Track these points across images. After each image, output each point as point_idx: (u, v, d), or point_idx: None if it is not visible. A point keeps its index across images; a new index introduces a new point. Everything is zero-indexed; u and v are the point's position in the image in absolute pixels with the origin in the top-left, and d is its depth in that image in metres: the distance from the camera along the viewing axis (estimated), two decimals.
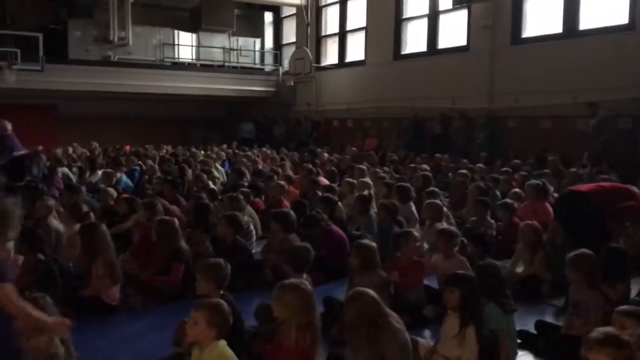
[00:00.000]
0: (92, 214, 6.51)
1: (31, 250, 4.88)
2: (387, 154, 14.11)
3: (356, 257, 4.57)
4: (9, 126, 9.76)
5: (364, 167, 10.54)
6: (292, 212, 6.19)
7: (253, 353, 3.83)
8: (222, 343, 3.15)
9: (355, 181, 9.00)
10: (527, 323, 4.61)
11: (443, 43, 15.36)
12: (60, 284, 4.84)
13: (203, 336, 3.13)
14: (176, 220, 5.61)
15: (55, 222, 6.29)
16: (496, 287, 4.01)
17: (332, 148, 16.42)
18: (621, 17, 11.54)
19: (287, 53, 20.63)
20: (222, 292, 3.88)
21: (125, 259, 5.78)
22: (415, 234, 5.28)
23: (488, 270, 4.09)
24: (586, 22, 12.25)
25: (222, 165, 12.78)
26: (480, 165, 11.13)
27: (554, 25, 12.72)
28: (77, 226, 5.99)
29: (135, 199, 7.15)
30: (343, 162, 12.40)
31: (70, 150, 14.79)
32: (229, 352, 3.16)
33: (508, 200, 7.40)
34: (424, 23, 15.85)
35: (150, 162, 11.97)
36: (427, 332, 4.59)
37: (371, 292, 3.47)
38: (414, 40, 16.33)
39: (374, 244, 4.67)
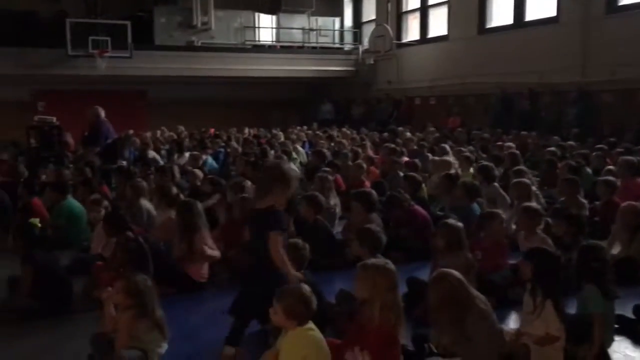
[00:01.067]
0: (180, 195, 6.72)
1: (120, 231, 5.09)
2: (473, 132, 13.68)
3: (442, 237, 4.45)
4: (102, 112, 10.26)
5: (447, 145, 10.27)
6: (373, 192, 6.13)
7: (336, 330, 3.83)
8: (307, 327, 3.15)
9: (438, 159, 8.79)
10: (624, 308, 4.34)
11: (531, 15, 14.65)
12: (150, 261, 5.04)
13: (284, 325, 3.16)
14: None
15: (146, 203, 6.55)
16: (599, 270, 3.83)
17: (413, 127, 16.13)
18: None
19: (367, 31, 20.40)
20: (302, 271, 3.89)
21: (214, 238, 5.93)
22: (502, 215, 5.07)
23: (592, 252, 3.92)
24: None
25: (302, 147, 12.86)
26: (571, 142, 10.56)
27: None
28: (170, 211, 6.24)
29: (219, 179, 7.33)
30: (427, 141, 12.13)
31: (159, 133, 15.37)
32: (311, 337, 3.14)
33: (610, 177, 6.99)
34: None
35: (233, 144, 12.24)
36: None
37: (456, 273, 3.38)
38: (500, 13, 15.65)
39: (460, 224, 4.53)
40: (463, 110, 16.26)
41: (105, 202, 6.50)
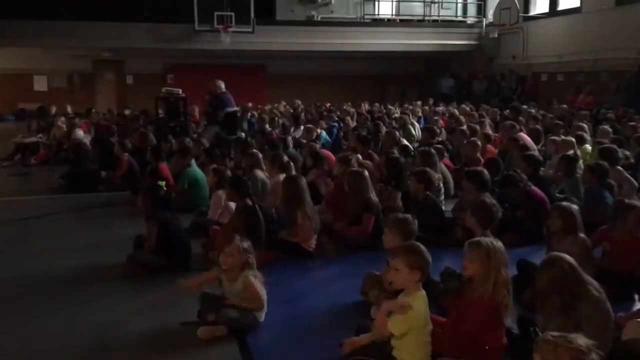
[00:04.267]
0: (292, 164, 6.90)
1: (240, 197, 5.35)
2: (602, 111, 12.71)
3: (557, 219, 4.23)
4: (223, 85, 10.70)
5: (584, 124, 9.61)
6: (485, 171, 5.91)
7: (441, 306, 3.78)
8: (422, 295, 3.12)
9: (559, 139, 8.29)
10: None
11: None
12: (263, 228, 5.26)
13: (408, 281, 3.08)
14: (366, 172, 5.71)
15: (260, 173, 6.80)
16: None
17: (539, 104, 15.26)
18: None
19: (492, 3, 19.44)
20: None
21: (320, 210, 6.06)
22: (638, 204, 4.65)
23: None
24: None
25: (418, 122, 12.65)
26: None
27: None
28: (281, 176, 6.45)
29: (319, 152, 7.43)
30: (546, 120, 11.45)
31: (281, 107, 15.82)
32: (421, 308, 3.09)
33: None
34: None
35: (348, 118, 12.31)
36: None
37: (568, 257, 3.21)
38: None
39: (575, 207, 4.28)
40: (595, 88, 15.11)
41: (227, 171, 6.82)
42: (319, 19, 19.05)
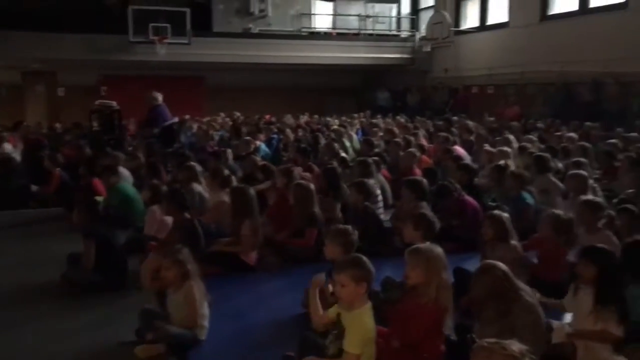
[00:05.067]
0: (232, 177, 6.85)
1: (178, 211, 5.27)
2: (530, 121, 13.31)
3: (490, 227, 4.40)
4: (160, 97, 10.53)
5: (511, 136, 10.03)
6: (424, 180, 6.08)
7: (381, 317, 3.84)
8: (369, 307, 3.15)
9: (494, 150, 8.62)
10: None
11: (597, 1, 14.03)
12: (202, 242, 5.20)
13: (355, 295, 3.09)
14: (312, 186, 5.77)
15: (198, 186, 6.72)
16: None
17: (470, 116, 15.81)
18: None
19: (424, 18, 20.08)
20: None
21: (263, 222, 6.04)
22: (558, 211, 4.90)
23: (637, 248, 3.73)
24: None
25: (356, 134, 12.83)
26: (635, 134, 10.11)
27: None
28: (220, 188, 6.39)
29: (269, 166, 7.43)
30: (479, 130, 11.88)
31: (220, 119, 15.69)
32: (370, 321, 3.14)
33: None
34: None
35: (288, 130, 12.35)
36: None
37: (501, 265, 3.34)
38: None
39: (506, 215, 4.47)
40: (522, 100, 15.80)
41: (163, 186, 6.70)
42: (256, 31, 19.08)
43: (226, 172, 6.73)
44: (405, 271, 3.36)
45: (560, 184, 6.80)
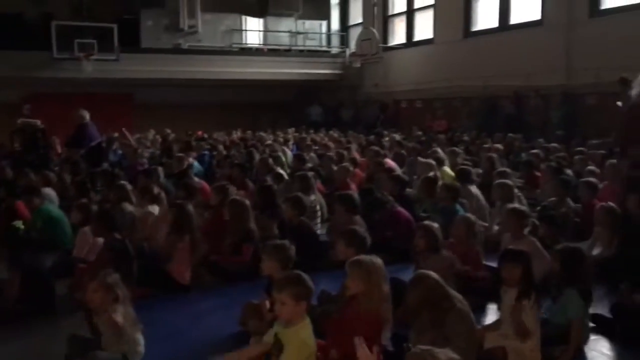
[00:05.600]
0: (163, 195, 6.71)
1: (108, 232, 5.11)
2: (456, 134, 13.79)
3: (422, 238, 4.51)
4: (87, 115, 10.21)
5: (438, 149, 10.34)
6: (355, 194, 6.17)
7: (319, 330, 3.86)
8: (307, 322, 3.16)
9: (427, 161, 8.86)
10: (602, 307, 4.41)
11: (515, 18, 14.77)
12: (134, 263, 5.05)
13: (295, 313, 3.10)
14: (247, 202, 5.73)
15: (129, 206, 6.54)
16: (580, 273, 3.87)
17: (400, 130, 16.21)
18: None
19: (354, 34, 20.46)
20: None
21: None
22: (470, 218, 5.11)
23: (574, 255, 3.94)
24: None
25: (290, 149, 12.88)
26: (555, 145, 10.66)
27: None
28: (151, 208, 6.26)
29: (192, 184, 7.35)
30: (409, 143, 12.20)
31: (150, 136, 15.35)
32: (309, 337, 3.15)
33: (592, 179, 7.06)
34: None
35: (220, 146, 12.23)
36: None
37: (434, 274, 3.43)
38: (485, 16, 15.78)
39: (437, 225, 4.60)
40: (449, 113, 16.36)
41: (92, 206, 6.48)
42: (186, 47, 18.87)
43: (156, 190, 6.59)
44: (346, 282, 3.40)
45: (480, 196, 7.07)
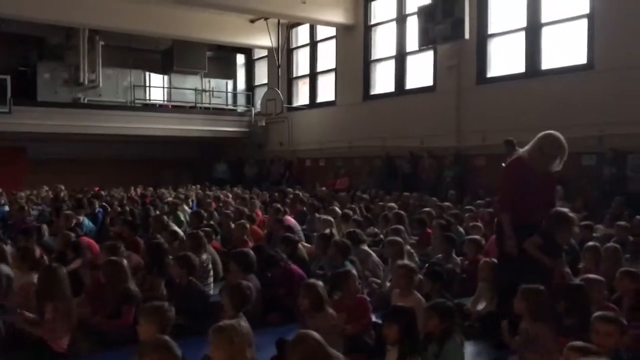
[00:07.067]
0: (45, 258, 6.33)
1: None
2: (357, 193, 14.12)
3: (306, 297, 4.48)
4: None
5: (336, 207, 10.52)
6: (251, 252, 6.09)
7: None
8: None
9: (324, 217, 8.96)
10: None
11: (411, 83, 15.64)
12: (2, 329, 4.67)
13: None
14: (125, 261, 5.49)
15: (5, 267, 6.10)
16: (451, 325, 3.98)
17: (304, 187, 16.40)
18: (580, 57, 11.87)
19: (260, 94, 20.84)
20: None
21: (79, 303, 5.61)
22: (354, 272, 5.19)
23: (449, 308, 4.05)
24: (547, 61, 12.59)
25: (190, 207, 12.63)
26: (448, 203, 11.15)
27: (517, 65, 13.03)
28: (29, 270, 5.85)
29: (79, 242, 7.01)
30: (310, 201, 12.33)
31: (42, 192, 14.55)
32: None
33: (476, 236, 7.38)
34: (391, 64, 16.15)
35: (115, 203, 11.79)
36: None
37: (314, 334, 3.40)
38: (383, 81, 16.60)
39: (321, 284, 4.60)
40: (351, 172, 16.80)
41: None
42: (85, 102, 18.34)
43: (38, 251, 6.19)
44: (209, 351, 3.27)
45: (373, 254, 7.22)
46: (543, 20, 12.58)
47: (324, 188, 15.02)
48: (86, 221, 9.80)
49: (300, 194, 13.95)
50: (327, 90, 18.54)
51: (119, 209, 11.00)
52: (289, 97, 19.73)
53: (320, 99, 18.92)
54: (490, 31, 13.61)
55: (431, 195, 12.51)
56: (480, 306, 5.83)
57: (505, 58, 13.52)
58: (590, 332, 3.69)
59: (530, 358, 4.05)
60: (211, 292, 6.52)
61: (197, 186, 16.95)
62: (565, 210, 5.36)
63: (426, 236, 8.51)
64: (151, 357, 2.95)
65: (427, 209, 9.86)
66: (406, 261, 6.09)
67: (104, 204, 11.79)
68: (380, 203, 11.66)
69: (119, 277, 5.25)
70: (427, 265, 6.79)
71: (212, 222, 9.64)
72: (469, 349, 4.75)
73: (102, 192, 14.65)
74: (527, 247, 4.95)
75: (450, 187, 13.18)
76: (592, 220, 8.77)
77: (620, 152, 10.83)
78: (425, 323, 3.91)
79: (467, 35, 13.29)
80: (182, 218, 10.77)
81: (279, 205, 10.74)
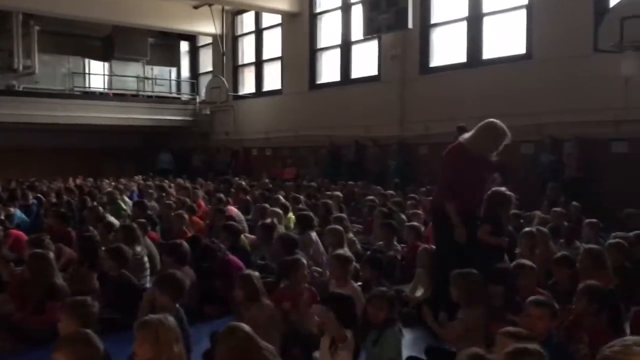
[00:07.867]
0: None
1: None
2: (303, 182, 14.06)
3: (241, 289, 4.38)
4: None
5: (279, 196, 10.41)
6: (184, 243, 5.92)
7: None
8: None
9: (269, 209, 8.84)
10: (418, 349, 4.55)
11: (356, 73, 15.65)
12: None
13: None
14: (51, 255, 5.24)
15: None
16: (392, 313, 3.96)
17: (251, 177, 16.23)
18: (519, 47, 12.14)
19: (204, 82, 20.45)
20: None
21: (3, 299, 5.34)
22: (304, 261, 5.13)
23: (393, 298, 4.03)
24: (488, 51, 12.80)
25: (131, 197, 12.27)
26: (391, 191, 11.22)
27: (459, 54, 13.20)
28: None
29: None
30: (257, 190, 12.20)
31: None
32: None
33: (415, 223, 7.43)
34: (337, 53, 16.10)
35: (52, 194, 11.33)
36: None
37: (244, 326, 3.32)
38: (329, 70, 16.55)
39: (256, 274, 4.50)
40: (298, 161, 16.72)
41: None
42: (20, 89, 17.56)
43: None
44: (134, 347, 3.13)
45: (318, 241, 7.16)
46: (484, 11, 12.78)
47: (267, 180, 14.85)
48: (18, 213, 9.38)
49: (244, 183, 13.79)
50: (273, 79, 18.37)
51: (54, 200, 10.58)
52: (235, 86, 19.46)
53: (267, 87, 18.75)
54: (433, 21, 13.73)
55: (376, 184, 12.57)
56: (419, 293, 5.86)
57: (447, 48, 13.68)
58: (522, 316, 3.73)
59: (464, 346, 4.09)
60: (147, 285, 6.32)
61: (140, 176, 16.54)
62: (502, 189, 5.42)
63: (370, 224, 8.52)
64: (67, 350, 2.80)
65: (370, 197, 9.88)
66: (341, 251, 6.05)
67: (39, 195, 11.31)
68: (328, 192, 11.63)
69: (44, 271, 5.00)
70: (368, 252, 6.83)
71: (149, 213, 9.38)
72: (407, 336, 4.75)
73: (37, 183, 14.07)
74: (482, 238, 5.01)
75: (394, 175, 13.29)
76: (530, 207, 8.98)
77: (558, 139, 11.14)
78: (376, 313, 3.86)
79: (410, 25, 13.36)
80: (124, 208, 10.46)
81: (221, 195, 10.58)
